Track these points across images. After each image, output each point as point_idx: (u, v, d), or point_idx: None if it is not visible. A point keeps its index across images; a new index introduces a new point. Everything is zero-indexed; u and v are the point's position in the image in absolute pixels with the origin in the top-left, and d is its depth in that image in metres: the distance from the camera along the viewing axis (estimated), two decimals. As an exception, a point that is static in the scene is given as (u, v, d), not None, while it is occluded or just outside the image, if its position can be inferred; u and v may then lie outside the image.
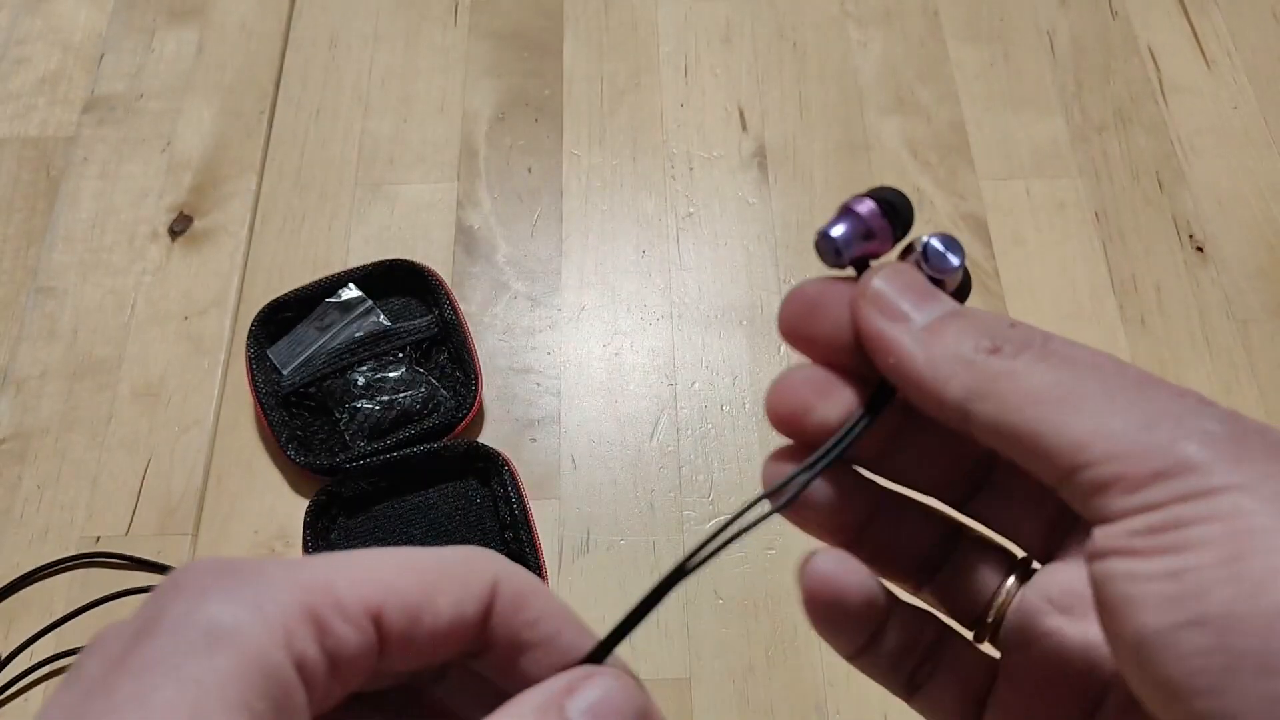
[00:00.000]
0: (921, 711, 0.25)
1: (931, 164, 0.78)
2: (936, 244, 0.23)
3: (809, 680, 0.60)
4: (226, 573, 0.18)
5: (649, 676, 0.59)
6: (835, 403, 0.23)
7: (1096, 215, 0.76)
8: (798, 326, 0.24)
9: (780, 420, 0.24)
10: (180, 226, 0.75)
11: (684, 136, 0.79)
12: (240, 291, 0.73)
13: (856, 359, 0.23)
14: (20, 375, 0.69)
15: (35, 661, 0.60)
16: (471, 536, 0.63)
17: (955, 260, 0.23)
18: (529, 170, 0.78)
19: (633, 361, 0.70)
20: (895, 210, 0.23)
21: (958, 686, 0.24)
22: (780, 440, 0.24)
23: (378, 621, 0.19)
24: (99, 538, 0.63)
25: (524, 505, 0.62)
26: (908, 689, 0.25)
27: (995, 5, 0.86)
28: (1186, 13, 0.85)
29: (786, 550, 0.63)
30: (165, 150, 0.78)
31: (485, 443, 0.65)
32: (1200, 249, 0.74)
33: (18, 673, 0.59)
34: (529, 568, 0.60)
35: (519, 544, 0.61)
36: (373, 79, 0.82)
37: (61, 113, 0.80)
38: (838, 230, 0.23)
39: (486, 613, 0.21)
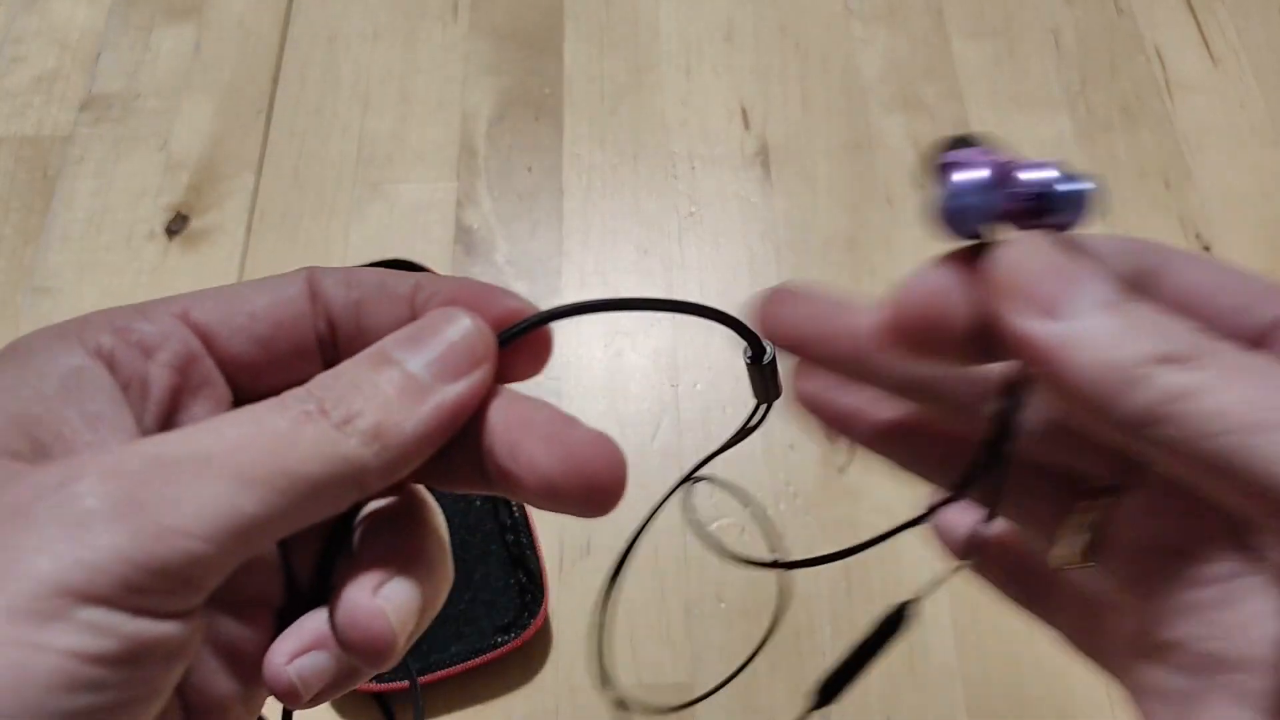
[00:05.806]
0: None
1: (935, 163, 0.77)
2: (1066, 186, 0.18)
3: (812, 685, 0.59)
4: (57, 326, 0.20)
5: (650, 681, 0.58)
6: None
7: (1102, 215, 0.75)
8: (911, 326, 0.20)
9: (909, 327, 0.20)
10: (177, 226, 0.74)
11: (686, 135, 0.79)
12: (238, 291, 0.72)
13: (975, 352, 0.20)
14: (15, 376, 0.68)
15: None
16: (471, 539, 0.62)
17: (1088, 192, 0.18)
18: (529, 169, 0.77)
19: (634, 362, 0.70)
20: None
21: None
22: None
23: (185, 319, 0.21)
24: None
25: (524, 508, 0.62)
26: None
27: (999, 2, 0.85)
28: (1193, 10, 0.84)
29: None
30: (162, 149, 0.78)
31: (485, 444, 0.64)
32: (1207, 248, 0.73)
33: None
34: (529, 571, 0.60)
35: (519, 547, 0.61)
36: (371, 77, 0.82)
37: (58, 112, 0.80)
38: (962, 179, 0.18)
39: (315, 297, 0.21)
